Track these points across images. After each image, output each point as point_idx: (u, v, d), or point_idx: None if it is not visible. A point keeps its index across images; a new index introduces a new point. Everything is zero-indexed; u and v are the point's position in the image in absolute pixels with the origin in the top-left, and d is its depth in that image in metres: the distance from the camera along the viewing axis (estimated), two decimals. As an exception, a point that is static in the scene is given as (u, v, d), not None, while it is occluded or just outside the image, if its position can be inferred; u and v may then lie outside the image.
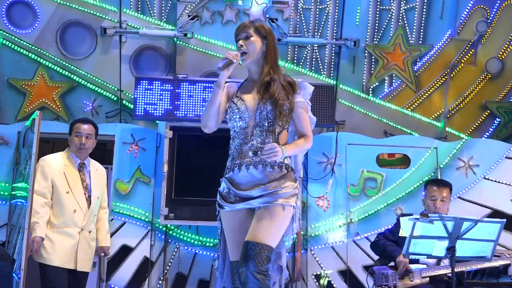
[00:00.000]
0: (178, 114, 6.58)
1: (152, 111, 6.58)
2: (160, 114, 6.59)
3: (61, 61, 7.09)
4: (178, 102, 6.59)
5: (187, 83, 6.63)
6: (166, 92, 6.60)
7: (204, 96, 6.61)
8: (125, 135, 6.69)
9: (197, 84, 6.64)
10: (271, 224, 3.37)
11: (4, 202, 6.46)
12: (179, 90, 6.61)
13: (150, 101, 6.58)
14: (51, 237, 4.75)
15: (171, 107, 6.59)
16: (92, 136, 5.02)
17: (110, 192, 6.43)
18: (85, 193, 4.90)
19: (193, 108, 6.59)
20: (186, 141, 6.63)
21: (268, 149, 3.37)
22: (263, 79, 3.53)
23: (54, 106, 7.12)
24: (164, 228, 6.64)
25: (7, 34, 7.00)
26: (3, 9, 6.95)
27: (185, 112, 6.58)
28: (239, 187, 3.48)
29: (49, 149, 6.67)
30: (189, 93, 6.60)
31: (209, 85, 6.63)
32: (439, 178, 6.56)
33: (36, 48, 7.04)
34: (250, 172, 3.46)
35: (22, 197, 6.05)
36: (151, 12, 7.17)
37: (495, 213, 6.66)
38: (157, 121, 6.77)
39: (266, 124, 3.49)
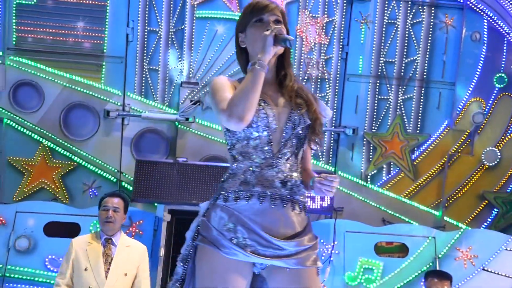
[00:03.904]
0: (177, 198, 6.59)
1: (151, 194, 6.60)
2: (159, 197, 6.60)
3: (63, 142, 7.22)
4: (178, 186, 6.61)
5: (187, 167, 6.69)
6: (166, 176, 6.64)
7: (204, 180, 6.64)
8: None
9: (197, 168, 6.70)
10: None
11: (-5, 283, 6.41)
12: (178, 174, 6.65)
13: (150, 184, 6.62)
14: None
15: (170, 191, 6.61)
16: (120, 210, 4.91)
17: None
18: (105, 269, 4.77)
19: (193, 192, 6.61)
20: (184, 225, 6.57)
21: (333, 178, 2.56)
22: (292, 84, 2.69)
23: (53, 186, 7.19)
24: (157, 315, 6.53)
25: (12, 115, 7.17)
26: (10, 90, 7.15)
27: (184, 196, 6.58)
28: (258, 227, 2.54)
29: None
30: (189, 177, 6.64)
31: (209, 169, 6.70)
32: (438, 269, 6.51)
33: (39, 129, 7.19)
34: (275, 208, 2.56)
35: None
36: (154, 96, 7.38)
37: (495, 306, 6.61)
38: (156, 204, 6.78)
39: (295, 143, 2.64)
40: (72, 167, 7.22)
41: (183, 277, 2.63)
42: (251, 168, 2.59)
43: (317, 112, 2.66)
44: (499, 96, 7.71)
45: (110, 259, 4.81)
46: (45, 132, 7.20)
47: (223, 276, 2.50)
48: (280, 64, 2.71)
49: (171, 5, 7.32)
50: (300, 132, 2.63)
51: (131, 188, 6.96)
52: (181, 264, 2.64)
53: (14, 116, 7.16)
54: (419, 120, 7.64)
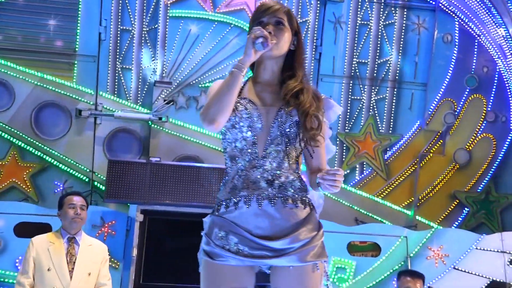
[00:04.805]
0: (150, 198, 6.58)
1: (124, 194, 6.59)
2: (131, 197, 6.60)
3: (34, 141, 7.17)
4: (151, 186, 6.60)
5: (160, 167, 6.68)
6: (139, 176, 6.63)
7: (177, 180, 6.63)
8: (95, 217, 6.55)
9: (170, 168, 6.69)
10: None
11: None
12: (152, 174, 6.64)
13: (122, 184, 6.60)
14: None
15: (143, 191, 6.60)
16: (85, 208, 4.93)
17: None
18: (70, 269, 4.75)
19: (165, 192, 6.60)
20: (157, 225, 6.66)
21: (336, 172, 2.52)
22: (295, 85, 2.65)
23: (24, 186, 7.14)
24: (130, 315, 6.51)
25: None
26: None
27: (157, 196, 6.58)
28: (248, 231, 2.55)
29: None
30: (162, 177, 6.63)
31: (183, 169, 6.69)
32: (410, 268, 6.60)
33: (9, 128, 7.13)
34: (264, 209, 2.55)
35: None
36: (127, 95, 7.38)
37: (465, 305, 6.70)
38: (129, 204, 6.77)
39: (285, 142, 2.62)
40: (43, 166, 7.18)
41: None
42: (238, 173, 2.60)
43: (310, 109, 2.60)
44: (470, 97, 7.88)
45: (74, 258, 4.79)
46: (15, 131, 7.13)
47: (222, 283, 2.53)
48: (289, 64, 2.72)
49: (144, 4, 7.35)
50: (288, 130, 2.61)
51: (103, 188, 6.94)
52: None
53: (-16, 115, 7.13)
54: (392, 121, 7.76)
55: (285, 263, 2.53)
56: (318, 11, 7.58)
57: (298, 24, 2.72)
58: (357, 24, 7.68)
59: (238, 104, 2.60)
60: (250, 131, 2.59)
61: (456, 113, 7.82)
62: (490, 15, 7.64)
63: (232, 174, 2.62)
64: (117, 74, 7.32)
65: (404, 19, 7.76)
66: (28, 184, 7.14)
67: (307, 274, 2.55)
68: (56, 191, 7.13)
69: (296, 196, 2.59)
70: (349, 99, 7.69)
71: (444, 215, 7.77)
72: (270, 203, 2.55)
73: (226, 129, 2.61)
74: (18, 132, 7.14)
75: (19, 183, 7.12)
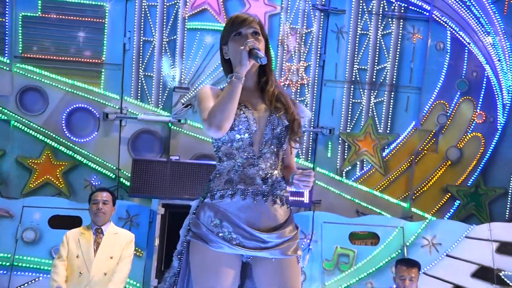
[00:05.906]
0: (170, 193, 6.80)
1: (147, 190, 6.84)
2: (154, 192, 6.83)
3: (66, 142, 7.48)
4: (171, 182, 6.85)
5: (179, 165, 6.90)
6: (160, 173, 6.87)
7: (195, 177, 6.88)
8: (121, 210, 6.77)
9: (188, 165, 6.93)
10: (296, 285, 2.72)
11: (4, 272, 6.62)
12: (172, 171, 6.89)
13: (145, 181, 6.85)
14: None
15: (164, 187, 6.83)
16: (109, 202, 5.23)
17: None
18: (95, 255, 5.09)
19: (184, 187, 6.87)
20: (176, 218, 6.57)
21: (309, 173, 2.69)
22: (273, 90, 2.79)
23: (57, 182, 7.46)
24: (153, 298, 6.72)
25: (19, 117, 7.43)
26: (17, 95, 7.42)
27: (177, 191, 6.81)
28: (242, 221, 2.67)
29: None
30: (181, 174, 6.89)
31: (200, 167, 6.93)
32: (406, 257, 6.74)
33: (43, 130, 7.44)
34: (257, 204, 2.69)
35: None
36: (149, 100, 7.63)
37: (457, 289, 6.88)
38: (151, 199, 7.01)
39: (276, 143, 2.76)
40: (74, 165, 7.49)
41: (179, 270, 2.79)
42: (234, 168, 2.71)
43: (295, 114, 2.77)
44: (461, 100, 8.12)
45: (100, 246, 5.18)
46: (49, 133, 7.46)
47: (214, 268, 2.64)
48: (262, 70, 2.83)
49: (164, 17, 7.56)
50: (279, 133, 2.75)
51: (128, 184, 7.19)
52: (177, 258, 2.81)
53: (21, 119, 7.42)
54: (389, 121, 8.01)
55: (269, 255, 2.71)
56: (321, 22, 7.77)
57: (266, 33, 2.87)
58: (358, 33, 7.88)
59: (236, 109, 2.69)
60: (247, 133, 2.72)
61: (448, 114, 8.02)
62: (479, 25, 7.88)
63: (228, 168, 2.74)
64: (140, 81, 7.57)
65: (400, 29, 7.91)
66: (60, 180, 7.46)
67: (291, 265, 2.75)
68: (85, 186, 7.46)
69: (282, 196, 2.78)
70: (350, 102, 7.92)
71: (437, 207, 7.98)
72: (263, 199, 2.70)
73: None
74: (51, 134, 7.47)
75: (52, 179, 7.44)
